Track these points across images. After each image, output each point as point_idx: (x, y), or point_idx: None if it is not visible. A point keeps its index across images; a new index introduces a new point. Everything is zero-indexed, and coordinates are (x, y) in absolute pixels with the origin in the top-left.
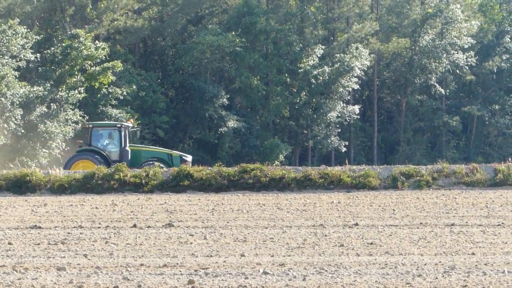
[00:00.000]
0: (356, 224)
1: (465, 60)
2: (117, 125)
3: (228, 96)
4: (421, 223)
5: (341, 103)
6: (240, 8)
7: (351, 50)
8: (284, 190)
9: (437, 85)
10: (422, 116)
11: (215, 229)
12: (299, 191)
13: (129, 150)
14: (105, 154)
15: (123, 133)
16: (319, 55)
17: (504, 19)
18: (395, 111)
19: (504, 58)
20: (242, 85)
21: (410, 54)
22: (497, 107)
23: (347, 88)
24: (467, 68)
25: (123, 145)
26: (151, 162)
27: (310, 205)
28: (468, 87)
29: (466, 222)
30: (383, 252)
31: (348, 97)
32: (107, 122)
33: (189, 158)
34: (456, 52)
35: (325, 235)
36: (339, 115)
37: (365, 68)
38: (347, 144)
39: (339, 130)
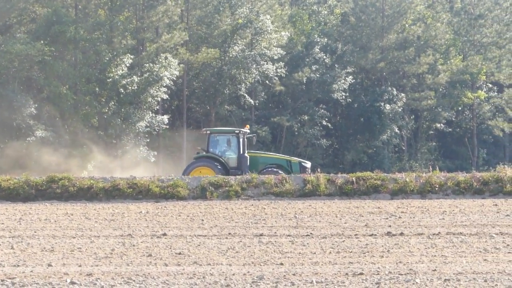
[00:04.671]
0: (165, 234)
1: (274, 70)
2: (235, 131)
3: (36, 105)
4: (229, 233)
5: (150, 113)
6: (49, 17)
7: (160, 60)
8: (93, 199)
9: (246, 95)
10: (231, 126)
11: (22, 239)
12: (108, 201)
13: (248, 157)
14: (223, 161)
15: (241, 139)
16: (128, 65)
17: (313, 30)
18: (204, 121)
19: (314, 68)
20: (51, 94)
21: (220, 64)
22: (306, 117)
23: (156, 98)
24: (277, 79)
25: (241, 152)
26: (270, 169)
27: (119, 215)
28: (277, 98)
29: (275, 233)
30: (192, 262)
31: (157, 107)
32: (225, 128)
33: (308, 164)
34: (265, 62)
35: (133, 245)
36: (148, 125)
37: (174, 78)
38: (156, 154)
39: (148, 140)
